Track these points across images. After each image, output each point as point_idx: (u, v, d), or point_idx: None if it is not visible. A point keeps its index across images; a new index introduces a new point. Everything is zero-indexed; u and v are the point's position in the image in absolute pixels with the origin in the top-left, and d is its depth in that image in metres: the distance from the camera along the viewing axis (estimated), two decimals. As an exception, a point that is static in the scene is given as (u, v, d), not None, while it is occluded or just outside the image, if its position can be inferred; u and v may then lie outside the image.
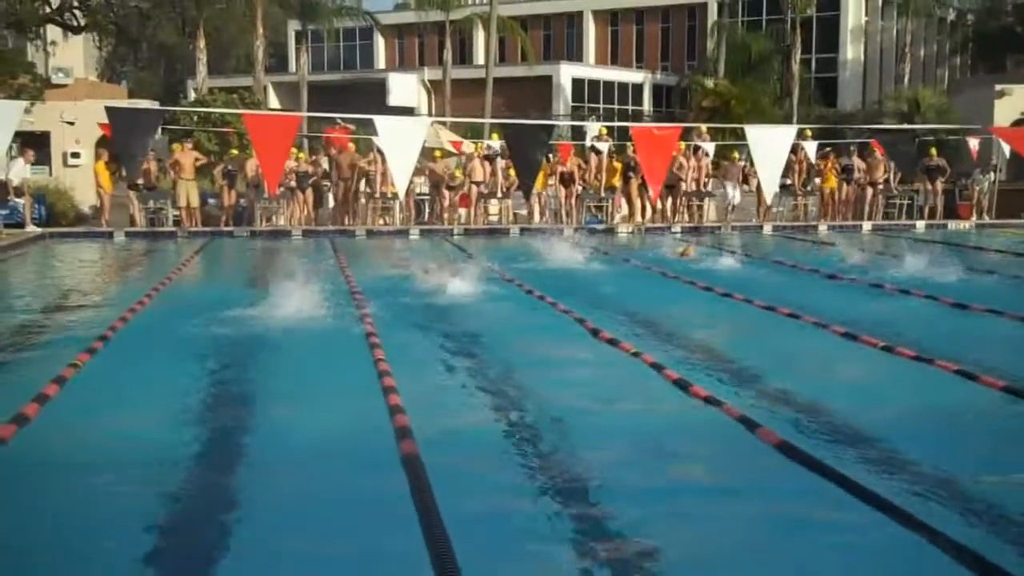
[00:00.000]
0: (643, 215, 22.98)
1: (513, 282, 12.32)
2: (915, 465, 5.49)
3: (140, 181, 20.42)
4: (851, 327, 8.92)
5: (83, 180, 22.78)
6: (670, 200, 22.93)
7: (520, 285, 11.99)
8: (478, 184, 22.17)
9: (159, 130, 20.79)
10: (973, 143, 25.19)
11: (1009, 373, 7.26)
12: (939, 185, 23.79)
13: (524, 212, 22.99)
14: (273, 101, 45.10)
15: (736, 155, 23.23)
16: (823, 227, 22.40)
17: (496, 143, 22.53)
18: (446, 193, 22.13)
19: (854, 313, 9.85)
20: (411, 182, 20.17)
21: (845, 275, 13.20)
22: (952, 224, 23.36)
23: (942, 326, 9.70)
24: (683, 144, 23.14)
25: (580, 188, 22.74)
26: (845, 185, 23.68)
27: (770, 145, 20.20)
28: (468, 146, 25.19)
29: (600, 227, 21.81)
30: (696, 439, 6.00)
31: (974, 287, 11.89)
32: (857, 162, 23.72)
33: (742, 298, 10.86)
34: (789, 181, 23.61)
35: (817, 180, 23.96)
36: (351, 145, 22.18)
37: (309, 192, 21.57)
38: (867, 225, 22.77)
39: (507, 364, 7.97)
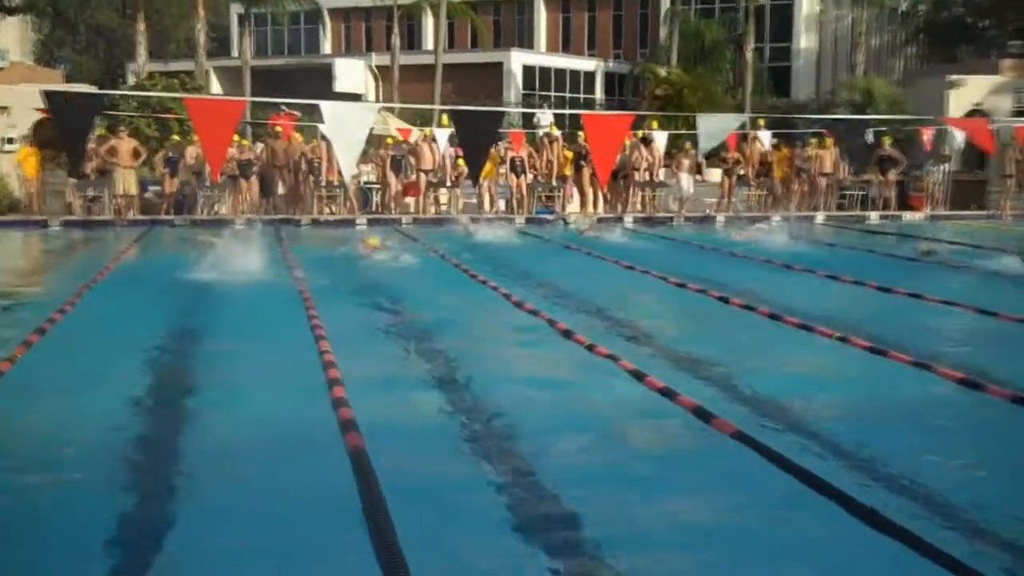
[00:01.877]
0: (595, 205, 22.61)
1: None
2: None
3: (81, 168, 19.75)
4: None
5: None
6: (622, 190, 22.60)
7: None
8: (427, 172, 21.65)
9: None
10: (926, 134, 25.01)
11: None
12: (892, 176, 23.56)
13: (474, 201, 22.49)
14: (215, 86, 44.13)
15: (689, 147, 22.72)
16: (776, 218, 22.15)
17: (445, 132, 21.95)
18: (392, 182, 21.58)
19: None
20: (358, 170, 19.71)
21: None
22: (906, 215, 23.25)
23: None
24: (639, 133, 22.83)
25: (531, 177, 22.31)
26: (795, 176, 23.49)
27: (714, 128, 20.49)
28: (416, 133, 24.64)
29: (551, 217, 21.39)
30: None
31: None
32: (810, 152, 23.46)
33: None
34: (743, 171, 23.40)
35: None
36: (297, 135, 21.59)
37: (253, 180, 20.91)
38: (820, 216, 22.59)
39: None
